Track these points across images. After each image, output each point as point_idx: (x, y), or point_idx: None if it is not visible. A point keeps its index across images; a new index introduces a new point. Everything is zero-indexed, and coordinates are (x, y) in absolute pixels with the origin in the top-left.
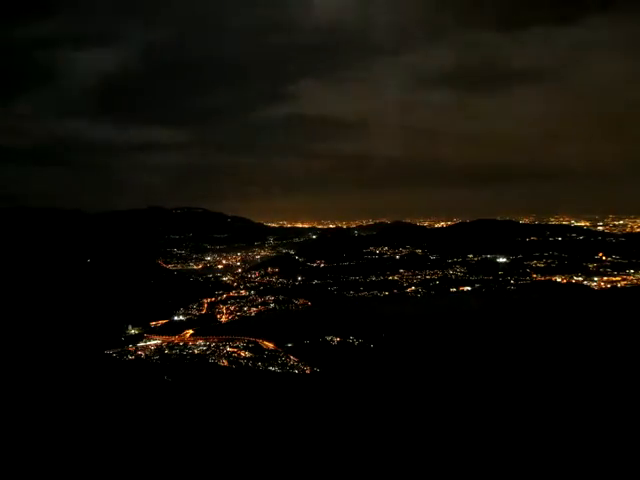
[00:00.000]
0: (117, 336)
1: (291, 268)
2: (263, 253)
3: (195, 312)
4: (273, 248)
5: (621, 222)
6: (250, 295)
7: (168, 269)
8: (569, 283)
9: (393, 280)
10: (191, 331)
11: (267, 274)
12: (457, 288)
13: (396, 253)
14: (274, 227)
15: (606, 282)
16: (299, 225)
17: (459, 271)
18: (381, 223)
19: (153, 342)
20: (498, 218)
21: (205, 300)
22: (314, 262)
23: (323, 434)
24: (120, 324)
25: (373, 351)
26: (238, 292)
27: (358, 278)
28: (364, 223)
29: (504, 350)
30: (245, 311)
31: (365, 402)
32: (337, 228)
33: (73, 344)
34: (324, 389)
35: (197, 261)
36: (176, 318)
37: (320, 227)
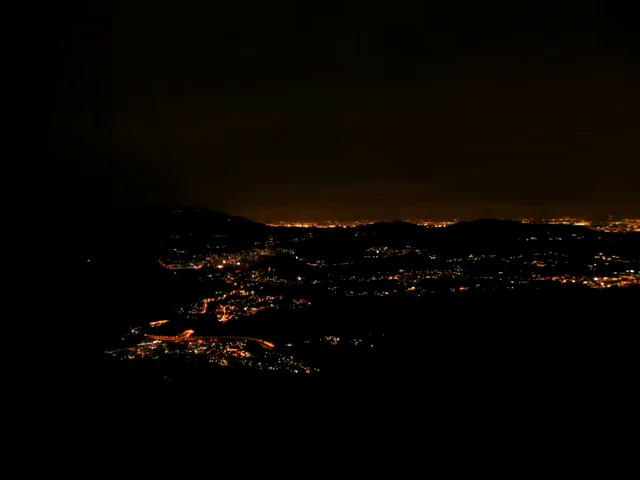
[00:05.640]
0: (117, 336)
1: (291, 268)
2: (263, 253)
3: (195, 312)
4: (273, 248)
5: (621, 222)
6: (250, 295)
7: (168, 269)
8: (569, 283)
9: (393, 280)
10: (191, 331)
11: (267, 274)
12: (457, 288)
13: (396, 253)
14: (274, 227)
15: (606, 282)
16: (299, 225)
17: (459, 271)
18: (381, 223)
19: (153, 342)
20: (498, 218)
21: (205, 300)
22: (314, 262)
23: (323, 434)
24: (120, 324)
25: (373, 351)
26: (238, 292)
27: (358, 278)
28: (364, 223)
29: (504, 351)
30: (245, 311)
31: (365, 402)
32: (337, 228)
33: (73, 344)
34: (324, 389)
35: (197, 261)
36: (176, 318)
37: (320, 227)
